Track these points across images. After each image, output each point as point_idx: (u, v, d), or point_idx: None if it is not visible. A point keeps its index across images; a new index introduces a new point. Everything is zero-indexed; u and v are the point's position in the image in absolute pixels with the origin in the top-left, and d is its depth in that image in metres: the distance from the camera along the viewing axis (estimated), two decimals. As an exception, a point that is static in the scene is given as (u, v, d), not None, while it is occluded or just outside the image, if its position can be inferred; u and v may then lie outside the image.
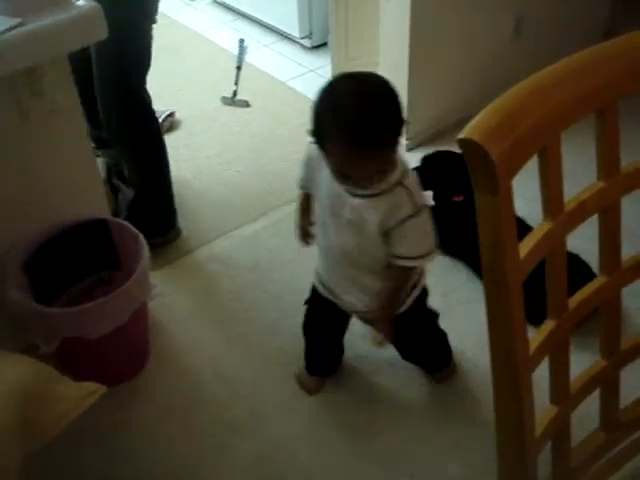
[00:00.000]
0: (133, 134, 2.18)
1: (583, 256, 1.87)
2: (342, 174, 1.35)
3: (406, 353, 1.84)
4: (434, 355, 1.88)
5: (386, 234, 1.43)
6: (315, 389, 1.88)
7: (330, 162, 1.35)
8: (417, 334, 1.76)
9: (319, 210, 1.54)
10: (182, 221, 2.40)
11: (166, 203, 2.34)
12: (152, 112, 2.19)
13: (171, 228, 2.36)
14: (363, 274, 1.55)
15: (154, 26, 2.05)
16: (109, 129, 2.22)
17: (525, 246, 0.82)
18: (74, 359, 1.78)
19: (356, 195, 1.40)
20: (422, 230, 1.43)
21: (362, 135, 1.26)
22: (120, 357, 1.89)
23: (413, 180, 1.42)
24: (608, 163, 0.90)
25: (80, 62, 1.80)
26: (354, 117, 1.26)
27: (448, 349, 1.88)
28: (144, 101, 2.14)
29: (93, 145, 2.51)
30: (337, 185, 1.41)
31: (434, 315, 1.78)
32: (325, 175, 1.42)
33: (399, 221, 1.39)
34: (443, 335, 1.85)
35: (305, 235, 1.67)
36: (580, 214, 0.89)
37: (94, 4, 1.55)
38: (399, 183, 1.38)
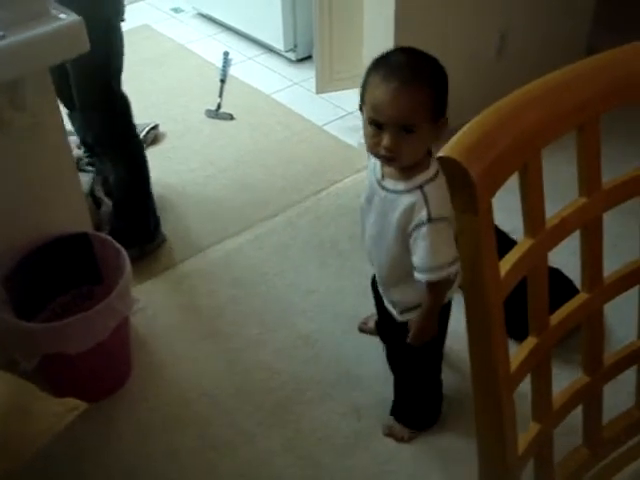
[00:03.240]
0: (116, 133, 2.19)
1: (565, 270, 1.88)
2: (372, 121, 1.33)
3: (391, 362, 1.80)
4: (412, 399, 1.79)
5: (407, 243, 1.42)
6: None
7: (365, 111, 1.35)
8: (403, 354, 1.70)
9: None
10: (165, 234, 2.39)
11: (151, 205, 2.34)
12: (131, 111, 2.20)
13: (159, 233, 2.36)
14: (385, 277, 1.56)
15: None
16: (93, 133, 2.22)
17: (506, 264, 0.81)
18: (54, 375, 1.76)
19: (384, 188, 1.44)
20: (436, 241, 1.37)
21: (401, 67, 1.33)
22: (101, 373, 1.86)
23: (437, 189, 1.38)
24: (589, 179, 0.90)
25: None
26: (398, 57, 1.36)
27: (432, 407, 1.81)
28: (125, 99, 2.16)
29: (84, 153, 2.51)
30: (374, 175, 1.46)
31: (437, 355, 1.71)
32: (372, 161, 1.49)
33: (414, 227, 1.39)
34: (436, 384, 1.77)
35: None
36: (561, 231, 0.89)
37: (76, 17, 1.55)
38: (420, 187, 1.38)
